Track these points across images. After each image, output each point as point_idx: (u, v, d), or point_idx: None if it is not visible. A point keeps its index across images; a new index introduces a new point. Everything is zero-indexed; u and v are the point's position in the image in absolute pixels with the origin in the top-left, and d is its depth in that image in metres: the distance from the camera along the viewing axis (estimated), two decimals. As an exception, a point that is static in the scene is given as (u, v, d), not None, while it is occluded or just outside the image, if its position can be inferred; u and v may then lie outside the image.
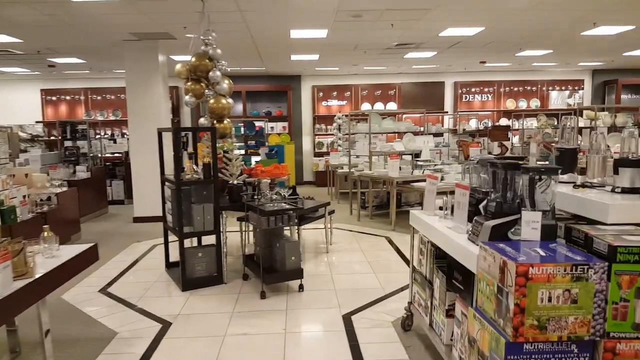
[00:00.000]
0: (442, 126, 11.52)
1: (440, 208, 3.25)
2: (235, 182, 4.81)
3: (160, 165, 4.86)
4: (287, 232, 4.65)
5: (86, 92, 11.56)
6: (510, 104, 12.25)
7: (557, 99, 12.24)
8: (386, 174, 6.60)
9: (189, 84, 5.22)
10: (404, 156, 7.83)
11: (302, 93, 12.06)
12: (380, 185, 8.15)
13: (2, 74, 10.61)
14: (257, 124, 11.46)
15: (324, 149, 11.95)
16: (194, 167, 4.55)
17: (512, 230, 2.30)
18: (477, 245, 2.29)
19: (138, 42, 7.33)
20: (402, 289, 4.27)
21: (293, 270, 4.20)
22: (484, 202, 2.72)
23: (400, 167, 6.57)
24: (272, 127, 11.73)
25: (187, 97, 5.21)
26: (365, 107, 11.77)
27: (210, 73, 5.05)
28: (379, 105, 11.77)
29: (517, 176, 2.41)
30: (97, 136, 10.08)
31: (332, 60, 9.78)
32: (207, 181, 4.49)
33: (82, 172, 7.94)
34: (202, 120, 5.21)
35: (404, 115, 11.61)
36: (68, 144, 8.96)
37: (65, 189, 6.46)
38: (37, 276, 2.57)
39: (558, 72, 12.36)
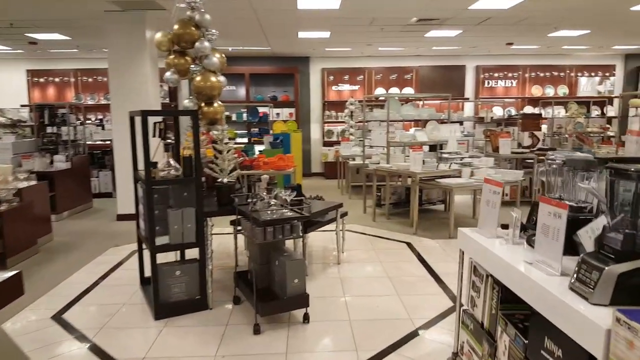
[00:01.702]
0: (463, 113, 10.47)
1: (504, 227, 2.29)
2: (226, 180, 3.87)
3: (133, 157, 3.91)
4: (289, 242, 3.71)
5: (76, 73, 10.65)
6: (536, 91, 11.16)
7: (587, 86, 11.11)
8: (407, 168, 5.62)
9: (171, 57, 4.26)
10: (423, 147, 6.83)
11: (310, 76, 11.04)
12: (398, 180, 7.17)
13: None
14: (261, 109, 10.49)
15: (334, 138, 10.95)
16: (171, 161, 3.60)
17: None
18: (592, 303, 1.36)
19: (122, 13, 6.36)
20: (435, 321, 3.32)
21: (296, 296, 3.26)
22: (589, 227, 1.77)
23: (423, 161, 5.59)
24: (277, 114, 10.74)
25: (168, 74, 4.25)
26: (380, 92, 10.73)
27: (197, 43, 4.08)
28: (394, 91, 10.73)
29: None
30: (82, 122, 9.16)
31: (344, 39, 8.75)
32: (188, 179, 3.55)
33: (60, 162, 7.03)
34: (186, 103, 4.26)
35: (422, 102, 10.55)
36: (53, 130, 8.06)
37: (33, 182, 5.56)
38: None
39: (588, 56, 11.21)
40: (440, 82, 11.00)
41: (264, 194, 3.40)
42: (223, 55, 4.46)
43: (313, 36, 8.21)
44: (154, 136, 3.85)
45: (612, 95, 10.94)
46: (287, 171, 6.97)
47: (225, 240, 5.46)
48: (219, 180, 3.85)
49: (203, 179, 4.14)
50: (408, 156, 6.10)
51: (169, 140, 3.72)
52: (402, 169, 5.71)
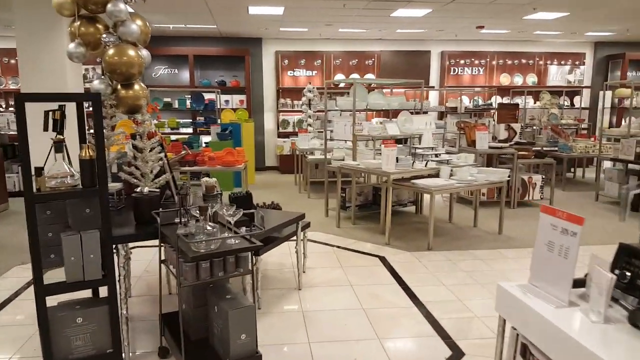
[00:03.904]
0: (429, 103, 9.78)
1: (579, 284, 1.47)
2: (146, 189, 2.85)
3: (24, 156, 2.81)
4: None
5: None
6: (504, 79, 10.64)
7: (557, 75, 10.72)
8: (378, 167, 4.78)
9: (75, 24, 3.18)
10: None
11: (263, 59, 9.97)
12: (360, 177, 6.34)
13: None
14: (208, 96, 9.35)
15: (290, 129, 9.99)
16: (66, 165, 2.55)
17: None
18: None
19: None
20: (430, 378, 2.50)
21: (244, 358, 2.33)
22: None
23: (397, 158, 4.76)
24: (226, 101, 9.64)
25: (71, 46, 3.16)
26: (339, 78, 9.84)
27: (109, 5, 3.02)
28: (355, 77, 9.87)
29: None
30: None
31: (300, 17, 7.76)
32: (88, 191, 2.51)
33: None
34: (95, 84, 3.18)
35: (390, 90, 9.76)
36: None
37: None
38: None
39: (557, 43, 10.81)
40: (403, 68, 10.25)
41: (197, 212, 2.42)
42: (147, 23, 3.41)
43: (265, 12, 7.18)
44: (45, 130, 2.77)
45: (583, 86, 10.60)
46: (237, 167, 5.99)
47: (146, 254, 4.44)
48: (138, 189, 2.83)
49: (118, 187, 3.11)
50: (376, 151, 5.26)
51: (58, 137, 2.63)
52: (373, 167, 4.86)
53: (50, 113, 2.78)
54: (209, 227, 2.32)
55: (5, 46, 9.07)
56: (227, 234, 2.44)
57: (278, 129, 10.08)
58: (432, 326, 3.07)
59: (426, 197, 6.00)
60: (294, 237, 3.71)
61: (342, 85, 9.25)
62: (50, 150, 2.63)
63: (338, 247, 4.76)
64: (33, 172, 2.36)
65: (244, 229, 2.66)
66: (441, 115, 9.85)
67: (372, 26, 8.67)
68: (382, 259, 4.38)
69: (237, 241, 2.39)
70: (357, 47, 10.13)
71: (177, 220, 2.63)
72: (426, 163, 4.97)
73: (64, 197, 2.50)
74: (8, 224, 5.79)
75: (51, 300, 2.46)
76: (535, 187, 6.48)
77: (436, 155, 5.23)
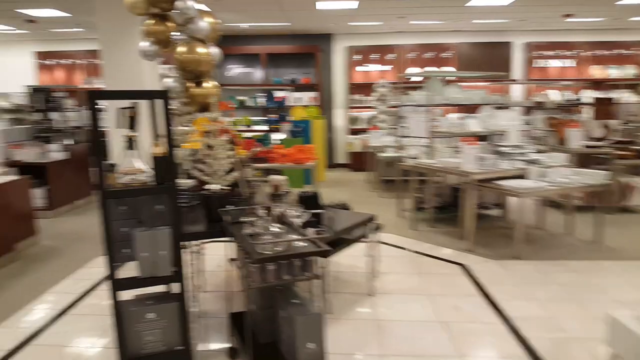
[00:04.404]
0: (511, 98, 9.10)
1: None
2: (217, 186, 2.80)
3: (98, 152, 2.86)
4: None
5: (85, 55, 9.75)
6: (597, 72, 9.67)
7: (660, 66, 9.56)
8: (458, 167, 4.44)
9: (149, 22, 3.20)
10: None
11: (333, 55, 9.83)
12: (441, 179, 5.98)
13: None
14: (280, 94, 9.39)
15: (361, 125, 9.76)
16: (139, 162, 2.54)
17: None
18: None
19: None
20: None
21: (311, 369, 2.19)
22: None
23: (480, 157, 4.39)
24: (298, 98, 9.62)
25: (144, 44, 3.19)
26: (413, 72, 9.45)
27: (178, 2, 3.00)
28: (430, 70, 9.43)
29: None
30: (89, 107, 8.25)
31: (374, 11, 7.52)
32: (160, 187, 2.48)
33: (56, 153, 6.11)
34: (167, 82, 3.19)
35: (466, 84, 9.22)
36: (49, 117, 7.15)
37: (13, 177, 4.65)
38: None
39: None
40: (481, 61, 9.63)
41: (262, 211, 2.30)
42: (216, 21, 3.36)
43: (335, 7, 7.02)
44: (119, 127, 2.80)
45: None
46: (307, 165, 5.89)
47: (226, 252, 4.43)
48: (208, 187, 2.78)
49: (190, 184, 3.09)
50: (456, 149, 4.90)
51: (130, 133, 2.63)
52: (451, 166, 4.52)
53: (124, 110, 2.80)
54: (275, 228, 2.19)
55: (92, 48, 9.68)
56: (294, 235, 2.30)
57: (349, 125, 9.90)
58: (521, 346, 2.74)
59: (513, 200, 5.54)
60: (365, 239, 3.51)
61: (415, 79, 8.86)
62: (125, 146, 2.63)
63: (413, 251, 4.48)
64: (106, 169, 2.36)
65: (311, 230, 2.51)
66: (527, 111, 9.13)
67: (446, 18, 8.22)
68: (464, 267, 4.04)
69: (304, 244, 2.24)
70: (432, 39, 9.68)
71: (244, 219, 2.54)
72: (513, 162, 4.54)
73: (135, 193, 2.49)
74: (92, 216, 6.11)
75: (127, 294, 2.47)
76: (636, 191, 5.76)
77: (523, 154, 4.77)
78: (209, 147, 2.87)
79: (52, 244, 4.91)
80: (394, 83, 8.30)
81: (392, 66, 9.67)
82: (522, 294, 3.48)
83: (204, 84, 3.15)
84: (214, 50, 3.26)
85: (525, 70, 9.76)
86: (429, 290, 3.58)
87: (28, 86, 6.73)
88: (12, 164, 5.63)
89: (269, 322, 2.53)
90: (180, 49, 3.01)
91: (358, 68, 9.74)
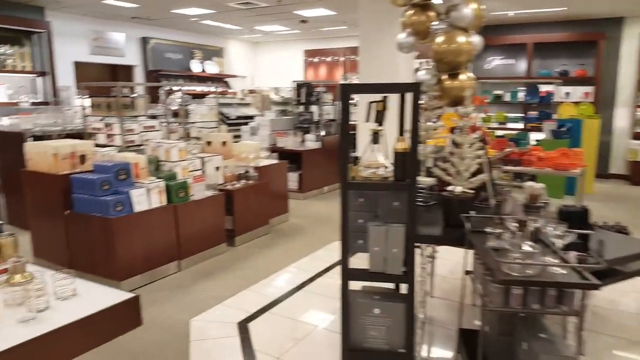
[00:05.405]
0: None
1: None
2: (460, 188, 2.56)
3: (343, 144, 3.00)
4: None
5: (345, 52, 10.72)
6: None
7: None
8: None
9: (409, 13, 3.15)
10: None
11: (622, 44, 8.10)
12: None
13: (267, 35, 10.66)
14: (545, 88, 8.31)
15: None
16: (381, 157, 2.51)
17: None
18: None
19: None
20: None
21: None
22: None
23: None
24: (567, 93, 8.34)
25: (401, 36, 3.16)
26: None
27: (443, -12, 2.84)
28: None
29: None
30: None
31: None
32: (399, 184, 2.41)
33: (311, 142, 6.91)
34: (420, 75, 3.08)
35: None
36: (311, 109, 8.15)
37: (274, 161, 5.43)
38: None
39: None
40: None
41: (513, 224, 1.96)
42: (481, 7, 3.06)
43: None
44: (367, 120, 2.85)
45: None
46: (572, 172, 5.03)
47: (448, 263, 4.13)
48: (451, 188, 2.57)
49: (430, 183, 2.94)
50: None
51: (376, 128, 2.61)
52: None
53: (374, 104, 2.82)
54: (527, 247, 1.84)
55: (353, 45, 10.45)
56: (551, 258, 1.89)
57: (633, 128, 8.06)
58: None
59: None
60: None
61: None
62: (370, 140, 2.65)
63: None
64: (349, 161, 2.41)
65: (574, 254, 2.04)
66: None
67: None
68: None
69: (563, 271, 1.82)
70: None
71: (489, 229, 2.23)
72: None
73: (374, 187, 2.47)
74: (335, 203, 6.54)
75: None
76: None
77: None
78: (456, 144, 2.64)
79: (299, 223, 5.50)
80: None
81: None
82: None
83: (460, 76, 2.93)
84: (476, 39, 2.99)
85: None
86: None
87: (294, 81, 7.72)
88: (274, 150, 6.55)
89: (505, 351, 2.19)
90: (439, 39, 2.85)
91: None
